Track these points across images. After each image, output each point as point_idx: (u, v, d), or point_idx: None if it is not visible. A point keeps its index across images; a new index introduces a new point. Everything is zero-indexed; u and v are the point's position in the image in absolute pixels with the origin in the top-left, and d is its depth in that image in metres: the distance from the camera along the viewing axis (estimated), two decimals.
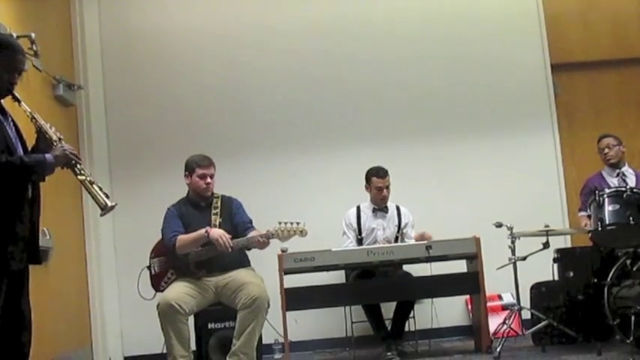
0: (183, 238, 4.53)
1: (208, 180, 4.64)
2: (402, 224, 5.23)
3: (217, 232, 4.44)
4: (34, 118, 3.12)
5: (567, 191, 5.94)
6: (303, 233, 4.48)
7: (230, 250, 4.42)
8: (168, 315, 4.32)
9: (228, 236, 4.43)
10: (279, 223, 4.46)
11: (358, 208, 5.28)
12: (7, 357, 2.91)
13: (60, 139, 3.12)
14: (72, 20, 5.69)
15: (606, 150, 5.02)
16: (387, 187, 5.17)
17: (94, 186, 3.16)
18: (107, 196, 3.17)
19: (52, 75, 5.08)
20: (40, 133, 3.13)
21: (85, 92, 5.65)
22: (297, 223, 4.47)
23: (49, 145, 3.08)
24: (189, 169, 4.66)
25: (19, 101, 3.07)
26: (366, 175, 5.23)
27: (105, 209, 3.16)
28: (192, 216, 4.66)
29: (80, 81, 5.60)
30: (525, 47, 6.10)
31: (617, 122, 5.99)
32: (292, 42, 6.04)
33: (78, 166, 3.13)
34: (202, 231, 4.47)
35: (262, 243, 4.46)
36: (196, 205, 4.69)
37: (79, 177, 3.14)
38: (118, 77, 5.96)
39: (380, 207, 5.23)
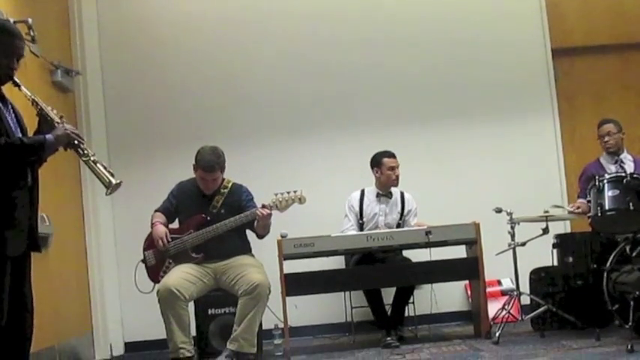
0: (155, 216, 4.67)
1: (209, 184, 4.62)
2: (406, 211, 5.22)
3: (157, 232, 4.52)
4: (35, 102, 3.12)
5: (567, 177, 5.94)
6: (302, 200, 4.50)
7: (163, 248, 4.51)
8: (168, 301, 4.33)
9: (164, 238, 4.51)
10: (276, 194, 4.47)
11: (362, 191, 5.27)
12: (10, 342, 2.92)
13: (62, 119, 3.12)
14: (69, 5, 5.65)
15: (606, 138, 4.99)
16: (398, 167, 5.18)
17: (98, 165, 3.16)
18: (112, 175, 3.16)
19: (49, 61, 5.05)
20: (42, 116, 3.12)
21: (83, 78, 5.62)
22: (295, 192, 4.48)
23: (51, 127, 3.08)
24: (195, 164, 4.61)
25: (19, 86, 3.06)
26: (375, 157, 5.21)
27: (110, 187, 3.15)
28: (190, 200, 4.68)
29: (78, 67, 5.57)
30: (526, 32, 6.08)
31: (617, 108, 5.96)
32: (293, 27, 6.01)
33: (81, 145, 3.12)
34: (154, 222, 4.62)
35: (263, 216, 4.44)
36: (202, 190, 4.69)
37: (83, 157, 3.13)
38: (117, 63, 5.92)
39: (385, 191, 5.23)
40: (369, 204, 5.22)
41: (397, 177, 5.18)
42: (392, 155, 5.19)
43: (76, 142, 3.10)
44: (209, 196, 4.66)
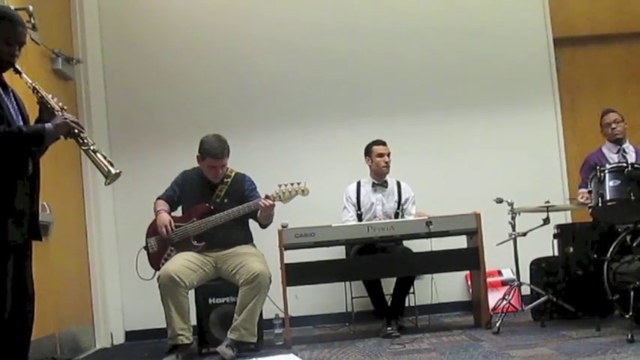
0: (158, 203, 4.65)
1: (218, 171, 4.61)
2: (403, 200, 5.23)
3: (161, 220, 4.51)
4: (36, 89, 3.11)
5: (568, 167, 5.93)
6: (305, 192, 4.51)
7: (167, 235, 4.50)
8: (168, 287, 4.34)
9: (168, 225, 4.51)
10: (279, 185, 4.48)
11: (358, 183, 5.29)
12: (11, 331, 2.92)
13: (62, 108, 3.11)
14: None
15: (613, 125, 4.98)
16: (389, 155, 5.20)
17: (98, 154, 3.14)
18: (111, 164, 3.15)
19: (50, 48, 5.03)
20: (42, 104, 3.11)
21: (84, 66, 5.60)
22: (298, 183, 4.49)
23: (51, 116, 3.06)
24: (202, 153, 4.60)
25: (20, 73, 3.05)
26: (366, 148, 5.26)
27: (109, 177, 3.14)
28: (194, 190, 4.68)
29: (79, 55, 5.55)
30: (528, 21, 6.06)
31: (619, 98, 5.96)
32: (293, 15, 5.99)
33: (81, 135, 3.11)
34: (158, 209, 4.60)
35: (266, 207, 4.45)
36: (206, 180, 4.68)
37: (83, 147, 3.12)
38: (117, 51, 5.91)
39: (380, 181, 5.25)
40: (366, 194, 5.23)
41: (387, 164, 5.20)
42: (382, 143, 5.23)
43: (75, 131, 3.08)
44: (213, 185, 4.65)
